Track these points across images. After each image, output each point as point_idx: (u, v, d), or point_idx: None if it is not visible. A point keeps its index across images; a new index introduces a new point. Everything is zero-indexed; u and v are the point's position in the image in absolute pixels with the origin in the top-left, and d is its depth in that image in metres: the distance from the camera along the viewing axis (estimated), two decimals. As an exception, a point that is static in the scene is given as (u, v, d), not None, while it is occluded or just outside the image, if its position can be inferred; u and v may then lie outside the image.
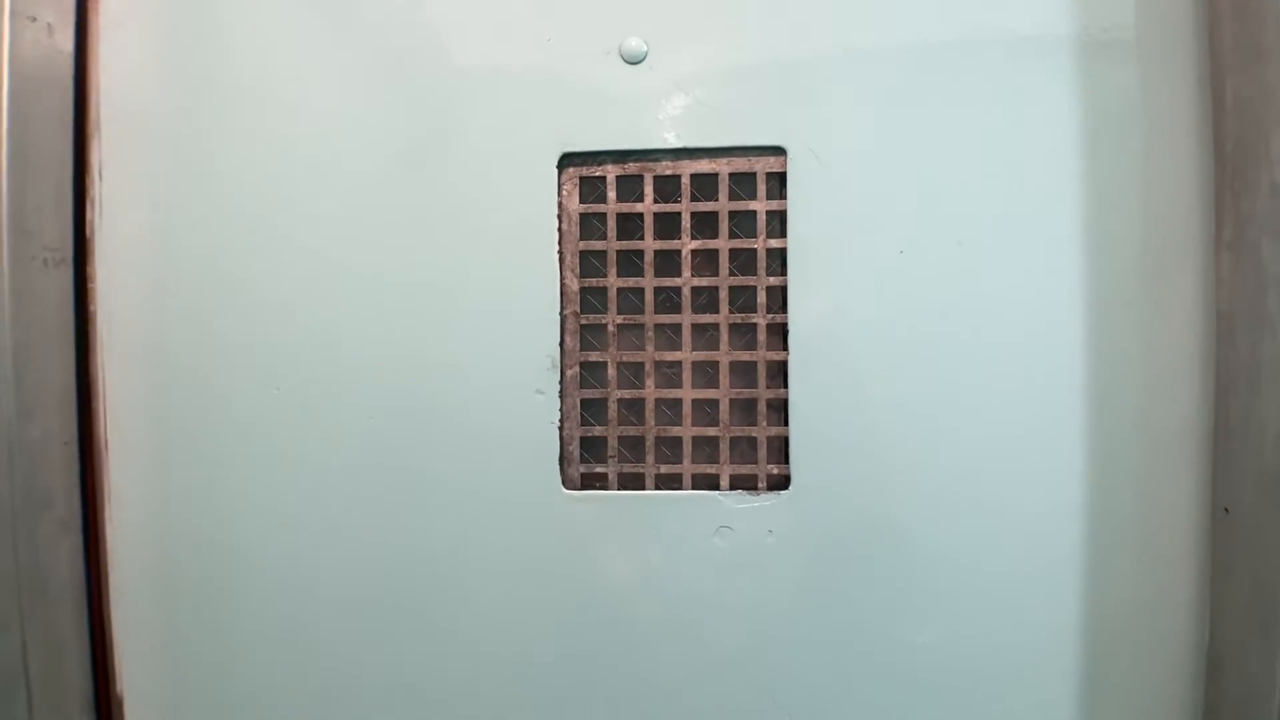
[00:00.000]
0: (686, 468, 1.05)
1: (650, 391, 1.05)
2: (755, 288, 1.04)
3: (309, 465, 1.05)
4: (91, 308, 1.06)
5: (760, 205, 1.03)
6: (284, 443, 1.05)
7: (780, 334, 1.03)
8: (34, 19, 1.00)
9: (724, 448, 1.04)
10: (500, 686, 1.05)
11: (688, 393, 1.05)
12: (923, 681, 1.02)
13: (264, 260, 1.05)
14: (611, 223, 1.05)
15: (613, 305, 1.05)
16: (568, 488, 1.04)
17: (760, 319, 1.04)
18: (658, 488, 1.05)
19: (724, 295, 1.04)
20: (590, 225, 1.05)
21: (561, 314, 1.04)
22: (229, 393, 1.05)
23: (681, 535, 1.03)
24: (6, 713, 1.02)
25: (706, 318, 1.04)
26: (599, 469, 1.05)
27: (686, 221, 1.04)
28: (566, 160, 1.04)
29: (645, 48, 1.02)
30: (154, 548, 1.07)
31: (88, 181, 1.06)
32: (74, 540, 1.05)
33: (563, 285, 1.04)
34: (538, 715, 1.05)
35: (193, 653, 1.07)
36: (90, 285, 1.06)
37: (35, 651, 1.02)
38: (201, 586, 1.06)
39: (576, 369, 1.05)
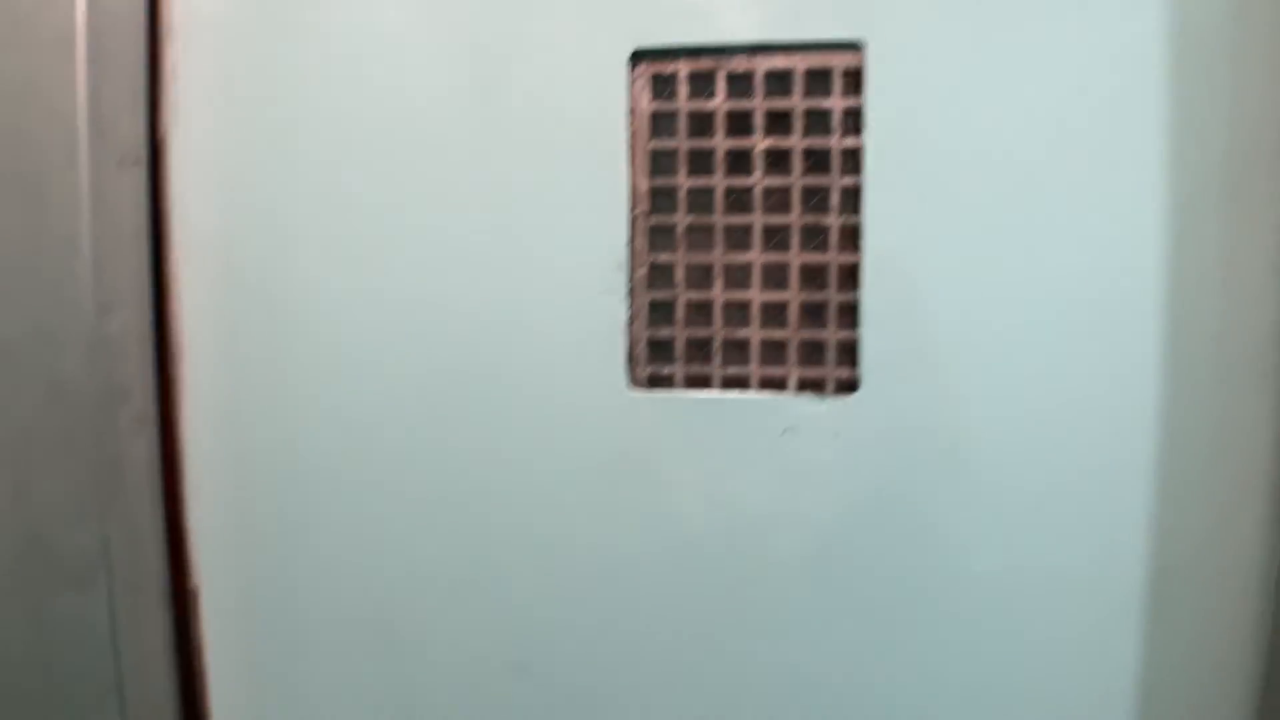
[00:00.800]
0: (754, 369, 1.04)
1: (719, 293, 1.04)
2: (829, 189, 1.02)
3: (380, 363, 1.06)
4: (165, 207, 1.08)
5: (836, 103, 1.01)
6: (355, 338, 1.06)
7: (853, 237, 1.02)
8: (109, -81, 1.01)
9: (792, 351, 1.04)
10: (563, 579, 1.06)
11: (757, 295, 1.04)
12: (981, 593, 1.01)
13: (335, 157, 1.05)
14: (683, 122, 1.03)
15: (682, 206, 1.04)
16: (635, 387, 1.04)
17: (833, 220, 1.02)
18: (724, 389, 1.05)
19: (796, 196, 1.02)
20: (661, 124, 1.04)
21: (631, 214, 1.03)
22: (302, 288, 1.06)
23: (747, 435, 1.03)
24: (89, 603, 1.06)
25: (777, 219, 1.03)
26: (666, 370, 1.05)
27: (760, 120, 1.03)
28: (638, 57, 1.03)
29: (720, -60, 1.00)
30: (229, 443, 1.09)
31: (162, 84, 1.07)
32: (150, 434, 1.08)
33: (633, 185, 1.04)
34: (600, 604, 1.06)
35: (266, 545, 1.10)
36: (164, 186, 1.08)
37: (116, 543, 1.05)
38: (275, 482, 1.09)
39: (645, 270, 1.05)
